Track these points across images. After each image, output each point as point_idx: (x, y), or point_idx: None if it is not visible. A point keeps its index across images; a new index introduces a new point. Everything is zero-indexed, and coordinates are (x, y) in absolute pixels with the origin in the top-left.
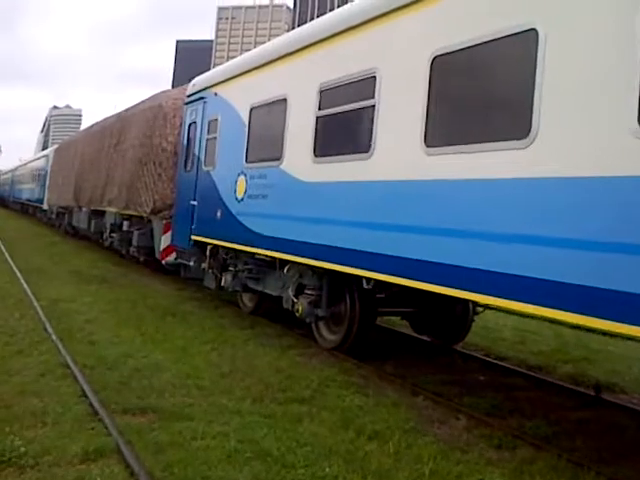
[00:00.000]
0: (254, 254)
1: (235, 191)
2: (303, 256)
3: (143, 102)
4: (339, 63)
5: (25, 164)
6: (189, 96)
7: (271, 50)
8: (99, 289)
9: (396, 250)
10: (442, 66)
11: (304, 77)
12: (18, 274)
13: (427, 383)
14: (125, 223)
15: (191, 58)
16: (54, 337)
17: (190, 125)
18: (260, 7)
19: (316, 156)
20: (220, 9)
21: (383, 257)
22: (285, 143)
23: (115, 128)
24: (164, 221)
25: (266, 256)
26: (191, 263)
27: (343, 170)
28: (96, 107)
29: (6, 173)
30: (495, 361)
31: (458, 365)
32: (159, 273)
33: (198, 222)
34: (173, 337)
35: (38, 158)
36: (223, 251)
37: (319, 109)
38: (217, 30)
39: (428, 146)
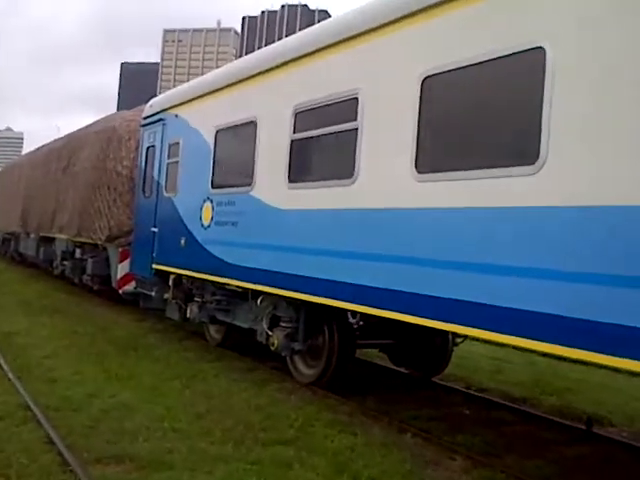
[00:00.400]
0: (223, 284)
1: (201, 218)
2: (278, 287)
3: (95, 124)
4: (317, 83)
5: None
6: (146, 118)
7: (238, 69)
8: (54, 321)
9: (379, 281)
10: None
11: (277, 98)
12: None
13: (413, 419)
14: (78, 250)
15: (137, 81)
16: (11, 375)
17: (148, 149)
18: (207, 30)
19: (291, 182)
20: (166, 32)
21: (365, 288)
22: (256, 168)
23: (64, 151)
24: (120, 249)
25: (237, 286)
26: (152, 293)
27: (322, 197)
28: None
29: None
30: (477, 394)
31: (441, 398)
32: (115, 303)
33: (160, 250)
34: (139, 373)
35: None
36: (188, 281)
37: (294, 132)
38: (163, 53)
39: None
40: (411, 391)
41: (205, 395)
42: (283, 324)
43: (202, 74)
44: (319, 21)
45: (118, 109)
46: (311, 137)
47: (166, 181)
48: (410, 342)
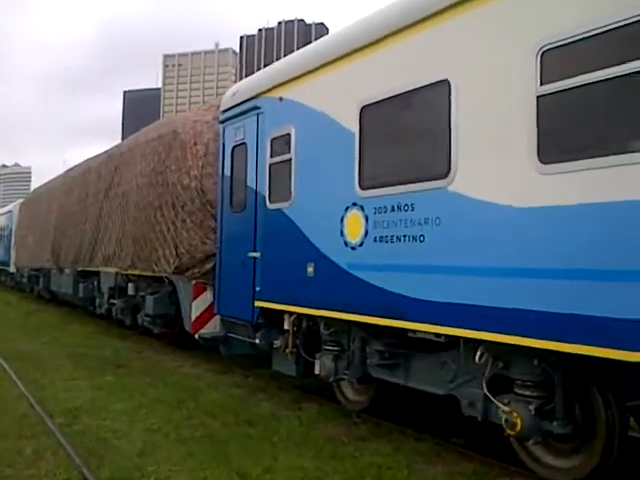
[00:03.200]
0: (386, 329)
1: (342, 234)
2: (518, 334)
3: (144, 132)
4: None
5: None
6: (227, 110)
7: (414, 6)
8: (121, 382)
9: None
10: None
11: (497, 37)
12: (4, 364)
13: None
14: (131, 286)
15: (139, 108)
16: None
17: (234, 149)
18: (206, 52)
19: (545, 162)
20: (166, 57)
21: None
22: (454, 149)
23: (105, 169)
24: (194, 282)
25: (429, 333)
26: (256, 340)
27: (604, 183)
28: (45, 164)
29: None
30: None
31: None
32: (180, 348)
33: (267, 282)
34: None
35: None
36: (318, 323)
37: (542, 83)
38: (164, 78)
39: None
40: None
41: None
42: (522, 391)
43: (203, 96)
44: (316, 35)
45: (123, 138)
46: (588, 85)
47: (269, 188)
48: None
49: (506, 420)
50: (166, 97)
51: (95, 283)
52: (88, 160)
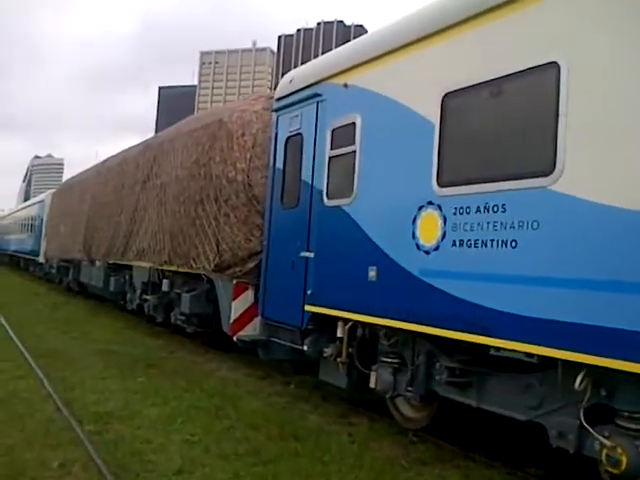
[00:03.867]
0: (461, 343)
1: (414, 235)
2: (630, 359)
3: (187, 121)
4: None
5: (17, 211)
6: (282, 98)
7: None
8: (153, 383)
9: None
10: None
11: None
12: (30, 361)
13: None
14: (165, 282)
15: (174, 104)
16: None
17: (288, 140)
18: (243, 51)
19: None
20: (203, 54)
21: None
22: (561, 142)
23: (143, 159)
24: (235, 281)
25: (518, 352)
26: (304, 347)
27: None
28: (77, 156)
29: None
30: None
31: None
32: (213, 349)
33: (320, 285)
34: None
35: (31, 204)
36: (380, 332)
37: None
38: (200, 75)
39: None
40: None
41: None
42: (628, 424)
43: (239, 94)
44: (355, 36)
45: (157, 132)
46: None
47: (328, 182)
48: None
49: (608, 456)
50: (201, 94)
51: (127, 277)
52: (125, 150)
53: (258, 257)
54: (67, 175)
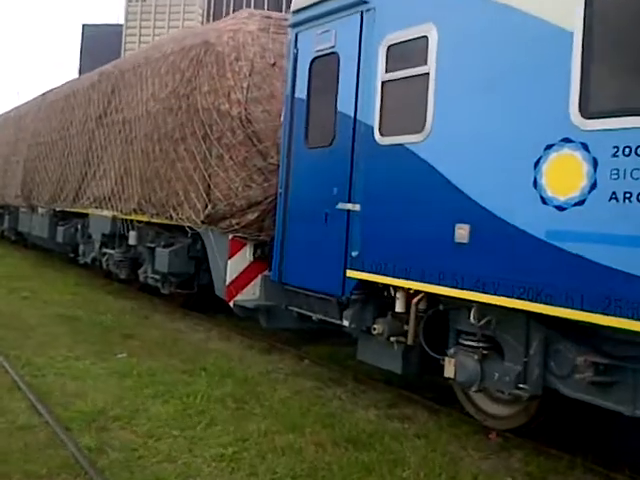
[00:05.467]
0: (602, 331)
1: (537, 184)
2: None
3: (155, 45)
4: None
5: None
6: (303, 9)
7: None
8: (140, 363)
9: None
10: None
11: None
12: None
13: None
14: (132, 234)
15: (99, 44)
16: None
17: (314, 62)
18: None
19: None
20: None
21: None
22: None
23: (97, 92)
24: (231, 236)
25: None
26: (344, 322)
27: None
28: None
29: None
30: None
31: None
32: (190, 312)
33: (371, 246)
34: None
35: None
36: (472, 309)
37: None
38: (127, 13)
39: None
40: None
41: None
42: None
43: None
44: None
45: (80, 74)
46: None
47: (381, 115)
48: None
49: None
50: (128, 34)
51: (80, 227)
52: (71, 82)
53: (260, 207)
54: None
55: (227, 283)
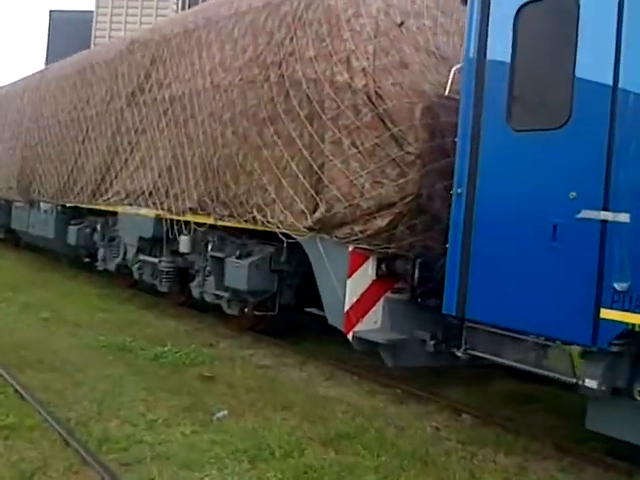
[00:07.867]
0: None
1: None
2: None
3: (223, 2)
4: None
5: None
6: None
7: None
8: (258, 429)
9: None
10: None
11: None
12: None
13: None
14: (184, 240)
15: (68, 31)
16: None
17: (522, 9)
18: None
19: None
20: None
21: None
22: None
23: (128, 65)
24: (351, 247)
25: None
26: (589, 382)
27: None
28: None
29: None
30: None
31: None
32: (257, 335)
33: None
34: None
35: None
36: None
37: None
38: (98, 0)
39: None
40: None
41: None
42: None
43: (140, 24)
44: None
45: (47, 62)
46: None
47: None
48: None
49: None
50: (99, 21)
51: (99, 227)
52: (82, 54)
53: (393, 211)
54: None
55: (346, 309)
